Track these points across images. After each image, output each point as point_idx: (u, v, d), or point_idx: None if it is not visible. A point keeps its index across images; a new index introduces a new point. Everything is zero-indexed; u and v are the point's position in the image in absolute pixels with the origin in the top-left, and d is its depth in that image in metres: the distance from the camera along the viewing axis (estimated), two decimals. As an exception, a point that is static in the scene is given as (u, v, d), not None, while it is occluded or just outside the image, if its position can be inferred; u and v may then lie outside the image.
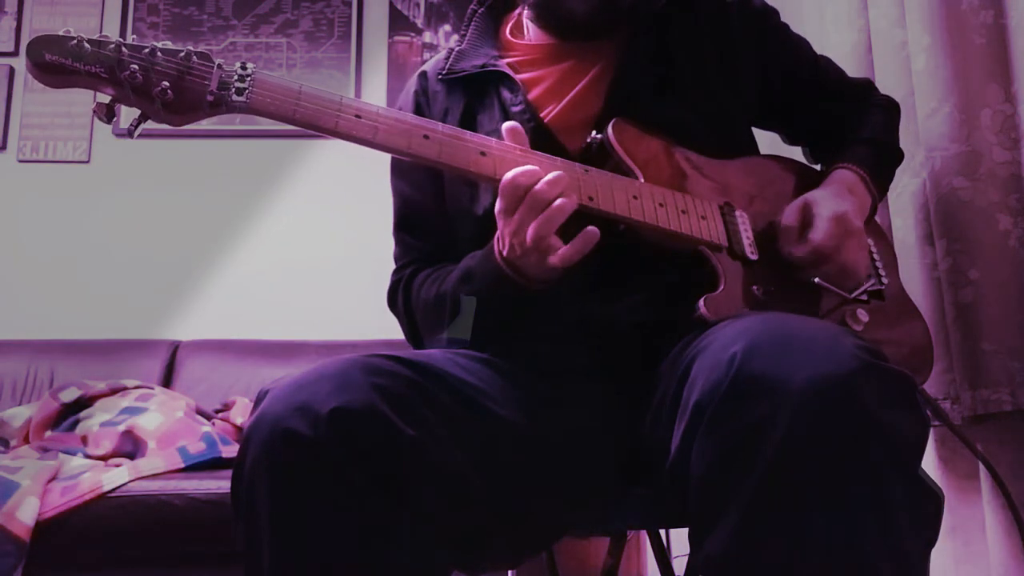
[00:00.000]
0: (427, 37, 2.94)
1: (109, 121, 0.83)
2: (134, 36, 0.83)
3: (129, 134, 0.84)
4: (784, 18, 1.19)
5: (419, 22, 2.95)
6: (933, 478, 0.74)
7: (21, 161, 2.80)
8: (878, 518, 0.67)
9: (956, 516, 1.29)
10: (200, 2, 2.93)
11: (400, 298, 1.09)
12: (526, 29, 1.15)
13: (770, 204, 1.06)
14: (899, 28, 1.37)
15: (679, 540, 1.62)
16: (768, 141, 1.24)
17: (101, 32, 2.83)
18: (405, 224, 1.14)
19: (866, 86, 1.25)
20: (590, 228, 0.88)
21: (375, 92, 2.87)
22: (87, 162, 2.81)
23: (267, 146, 2.81)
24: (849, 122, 1.19)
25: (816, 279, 0.99)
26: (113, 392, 2.08)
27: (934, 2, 1.26)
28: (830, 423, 0.67)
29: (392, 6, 2.96)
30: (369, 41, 2.93)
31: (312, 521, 0.74)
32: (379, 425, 0.76)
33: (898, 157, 1.21)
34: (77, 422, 2.00)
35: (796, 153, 1.26)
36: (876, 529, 0.67)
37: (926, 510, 0.72)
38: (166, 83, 0.82)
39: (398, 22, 2.95)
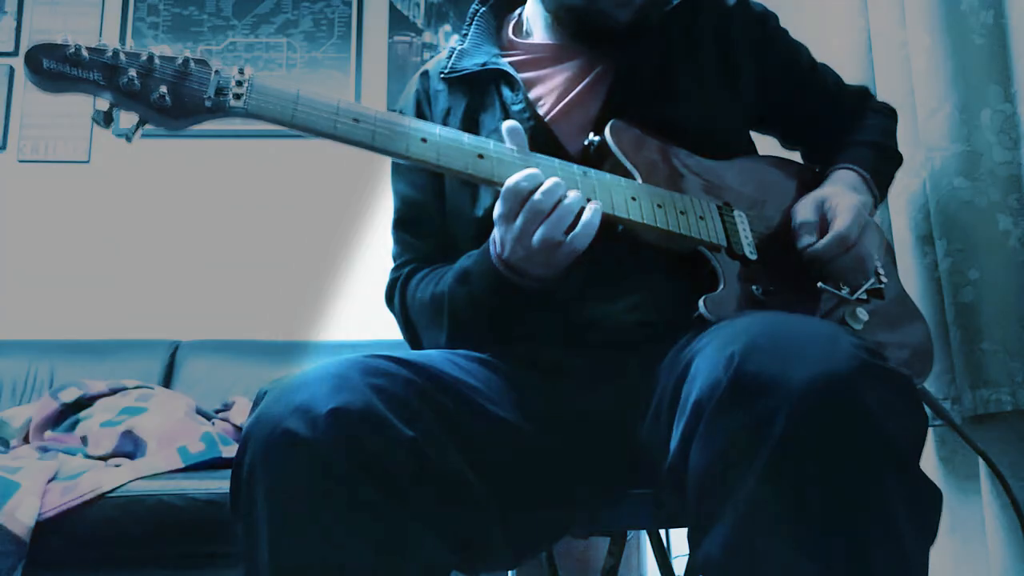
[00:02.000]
0: (427, 37, 2.94)
1: (107, 126, 0.83)
2: (133, 41, 0.83)
3: (127, 139, 0.84)
4: (783, 19, 1.19)
5: (419, 22, 2.95)
6: (933, 478, 0.74)
7: (21, 161, 2.80)
8: (877, 517, 0.67)
9: (956, 516, 1.29)
10: (200, 2, 2.93)
11: (396, 296, 1.09)
12: (528, 29, 1.15)
13: (769, 204, 1.06)
14: (899, 28, 1.37)
15: (679, 540, 1.63)
16: (768, 143, 1.24)
17: (101, 32, 2.84)
18: (404, 223, 1.14)
19: (863, 93, 1.26)
20: (593, 204, 0.88)
21: (375, 92, 2.87)
22: (87, 162, 2.82)
23: (267, 146, 2.80)
24: (848, 126, 1.20)
25: (819, 283, 0.98)
26: (113, 392, 2.08)
27: (934, 2, 1.26)
28: (829, 422, 0.67)
29: (392, 6, 2.96)
30: (369, 41, 2.93)
31: (310, 522, 0.74)
32: (377, 426, 0.77)
33: (897, 160, 1.22)
34: (77, 422, 2.00)
35: (795, 156, 1.26)
36: (875, 528, 0.67)
37: (925, 509, 0.71)
38: (163, 89, 0.83)
39: (398, 22, 2.95)
